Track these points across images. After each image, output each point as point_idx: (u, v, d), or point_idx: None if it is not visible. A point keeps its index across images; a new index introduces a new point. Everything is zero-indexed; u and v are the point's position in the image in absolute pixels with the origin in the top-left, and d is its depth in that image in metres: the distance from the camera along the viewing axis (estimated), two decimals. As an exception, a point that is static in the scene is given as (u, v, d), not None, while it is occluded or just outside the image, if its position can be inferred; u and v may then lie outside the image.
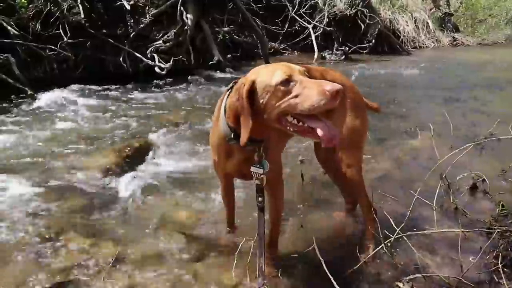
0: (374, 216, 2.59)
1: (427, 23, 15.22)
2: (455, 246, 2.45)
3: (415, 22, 14.67)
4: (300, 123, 1.83)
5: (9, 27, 6.93)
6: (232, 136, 1.97)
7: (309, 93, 1.75)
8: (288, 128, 1.86)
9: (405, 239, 2.41)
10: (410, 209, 2.61)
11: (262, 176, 2.05)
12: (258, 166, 2.04)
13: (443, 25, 16.36)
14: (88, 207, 3.09)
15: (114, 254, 2.45)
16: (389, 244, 2.44)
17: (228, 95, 2.01)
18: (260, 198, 2.11)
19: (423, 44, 14.56)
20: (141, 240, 2.67)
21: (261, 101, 1.83)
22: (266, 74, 1.85)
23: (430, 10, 16.31)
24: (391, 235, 2.40)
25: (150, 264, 2.43)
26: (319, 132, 1.80)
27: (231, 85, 2.05)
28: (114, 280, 2.27)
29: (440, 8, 16.82)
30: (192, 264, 2.45)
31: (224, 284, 2.28)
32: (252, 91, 1.83)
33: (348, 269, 2.34)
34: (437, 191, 2.91)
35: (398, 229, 2.40)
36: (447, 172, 3.24)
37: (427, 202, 2.85)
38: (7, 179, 3.42)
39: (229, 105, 1.93)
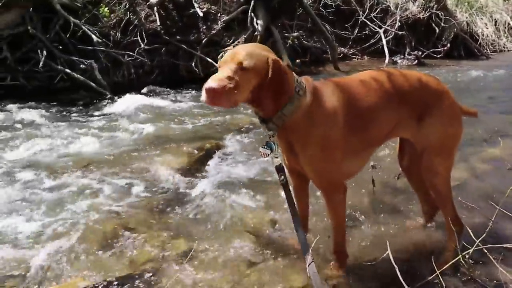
0: (453, 228, 2.46)
1: (509, 24, 14.27)
2: (542, 262, 2.28)
3: (495, 24, 13.78)
4: None
5: (92, 35, 7.43)
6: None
7: None
8: None
9: (486, 252, 2.28)
10: (492, 220, 2.46)
11: (271, 157, 2.10)
12: (265, 147, 2.08)
13: (527, 27, 15.27)
14: (162, 205, 3.21)
15: (185, 251, 2.55)
16: (467, 256, 2.32)
17: None
18: (282, 177, 2.12)
19: (504, 47, 13.61)
20: (212, 239, 2.73)
21: None
22: None
23: (513, 11, 15.29)
24: (470, 247, 2.28)
25: (218, 263, 2.49)
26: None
27: None
28: (182, 276, 2.35)
29: (524, 8, 15.72)
30: (260, 264, 2.47)
31: (292, 286, 2.28)
32: None
33: (422, 280, 2.25)
34: (522, 202, 2.72)
35: (477, 241, 2.27)
36: (533, 182, 3.02)
37: (510, 214, 2.66)
38: (88, 178, 3.65)
39: None
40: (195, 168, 3.83)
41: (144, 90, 7.36)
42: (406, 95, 2.30)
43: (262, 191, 3.37)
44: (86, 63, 7.19)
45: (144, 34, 7.99)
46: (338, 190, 2.23)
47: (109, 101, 6.70)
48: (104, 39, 7.63)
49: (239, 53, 1.93)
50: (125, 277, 2.38)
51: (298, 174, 2.37)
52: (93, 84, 7.04)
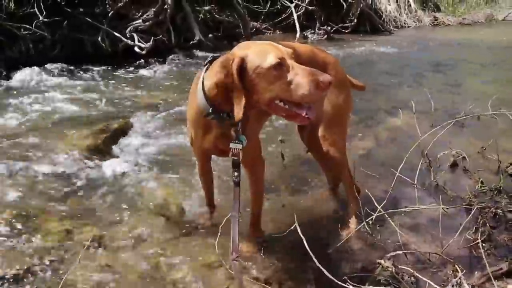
0: (357, 194, 2.59)
1: (409, 2, 15.18)
2: (436, 223, 2.48)
3: (396, 2, 14.60)
4: (287, 107, 1.84)
5: (-20, 6, 6.67)
6: (210, 110, 1.93)
7: (302, 81, 1.76)
8: (277, 112, 1.88)
9: (387, 216, 2.42)
10: (392, 186, 2.62)
11: (239, 150, 2.01)
12: (236, 141, 2.00)
13: (425, 5, 16.35)
14: (66, 190, 3.01)
15: (91, 238, 2.40)
16: (370, 222, 2.46)
17: (206, 69, 1.97)
18: (236, 173, 2.07)
19: (404, 23, 14.52)
20: (121, 222, 2.63)
21: (250, 80, 1.80)
22: (257, 54, 1.81)
23: (412, -11, 16.25)
24: (373, 213, 2.41)
25: (129, 245, 2.40)
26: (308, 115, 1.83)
27: (209, 59, 2.01)
28: (90, 262, 2.23)
29: (422, -13, 16.78)
30: (173, 244, 2.43)
31: (205, 263, 2.27)
32: (241, 67, 1.79)
33: (330, 247, 2.34)
34: (418, 168, 2.93)
35: (379, 207, 2.41)
36: (428, 149, 3.27)
37: (408, 180, 2.86)
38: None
39: (216, 82, 1.86)
40: (102, 149, 3.62)
41: (45, 66, 6.77)
42: None
43: (171, 170, 3.30)
44: (-26, 37, 6.45)
45: (42, 5, 7.32)
46: (261, 162, 2.31)
47: (4, 78, 6.07)
48: (-5, 11, 6.88)
49: (281, 47, 1.88)
50: (22, 271, 2.17)
51: (208, 156, 2.39)
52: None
